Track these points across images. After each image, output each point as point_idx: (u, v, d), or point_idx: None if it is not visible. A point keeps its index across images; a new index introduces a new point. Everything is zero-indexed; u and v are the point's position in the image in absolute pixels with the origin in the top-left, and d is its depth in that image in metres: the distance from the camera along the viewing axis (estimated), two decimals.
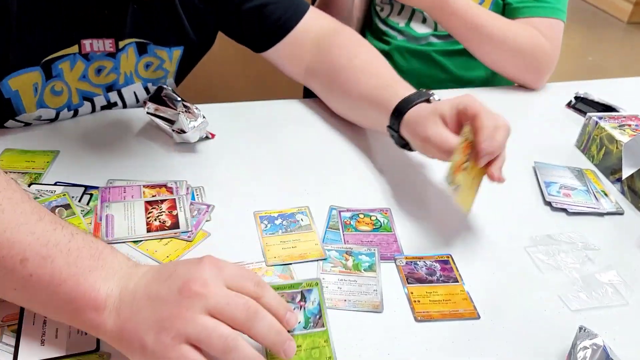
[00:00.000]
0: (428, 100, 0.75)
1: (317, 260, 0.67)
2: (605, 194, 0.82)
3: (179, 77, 0.96)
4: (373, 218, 0.74)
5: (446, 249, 0.70)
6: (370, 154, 0.88)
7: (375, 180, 0.82)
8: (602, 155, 0.87)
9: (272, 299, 0.51)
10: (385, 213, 0.75)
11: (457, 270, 0.67)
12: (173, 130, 0.82)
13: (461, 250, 0.70)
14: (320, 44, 0.89)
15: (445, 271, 0.67)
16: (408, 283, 0.65)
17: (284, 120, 0.94)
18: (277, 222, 0.72)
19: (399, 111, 0.75)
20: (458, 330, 0.60)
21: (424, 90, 0.77)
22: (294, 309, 0.56)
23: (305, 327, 0.56)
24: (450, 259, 0.68)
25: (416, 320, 0.60)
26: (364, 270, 0.66)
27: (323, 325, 0.56)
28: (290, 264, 0.66)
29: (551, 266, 0.69)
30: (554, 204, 0.79)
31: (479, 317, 0.61)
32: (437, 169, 0.86)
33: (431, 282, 0.65)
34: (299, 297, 0.58)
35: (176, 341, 0.46)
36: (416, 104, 0.74)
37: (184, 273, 0.49)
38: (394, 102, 0.76)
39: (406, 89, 0.78)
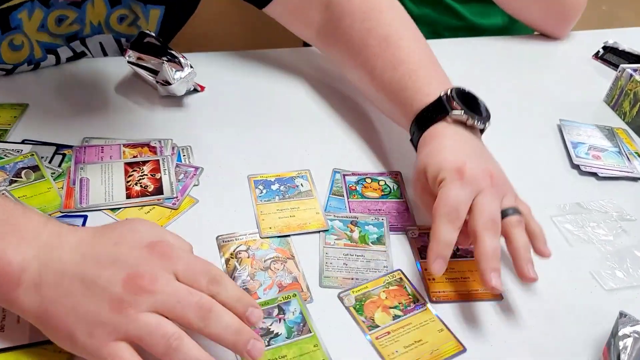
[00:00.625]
0: (447, 113, 0.59)
1: (319, 231, 0.59)
2: (639, 156, 0.73)
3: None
4: (382, 183, 0.66)
5: None
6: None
7: (385, 139, 0.73)
8: (636, 112, 0.78)
9: (230, 293, 0.44)
10: (396, 177, 0.67)
11: None
12: (157, 82, 0.73)
13: None
14: (330, 5, 0.74)
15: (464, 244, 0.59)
16: (421, 258, 0.57)
17: (283, 72, 0.85)
18: (274, 187, 0.64)
19: (418, 127, 0.62)
20: (479, 313, 0.53)
21: (444, 94, 0.60)
22: (272, 322, 0.49)
23: (288, 337, 0.49)
24: None
25: (431, 301, 0.53)
26: (372, 243, 0.58)
27: (310, 331, 0.49)
28: (288, 235, 0.58)
29: (581, 239, 0.61)
30: (582, 167, 0.70)
31: (502, 298, 0.54)
32: None
33: None
34: (276, 312, 0.51)
35: (111, 337, 0.41)
36: (435, 122, 0.60)
37: (130, 262, 0.43)
38: (410, 111, 0.63)
39: (425, 87, 0.63)
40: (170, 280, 0.43)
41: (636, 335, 0.48)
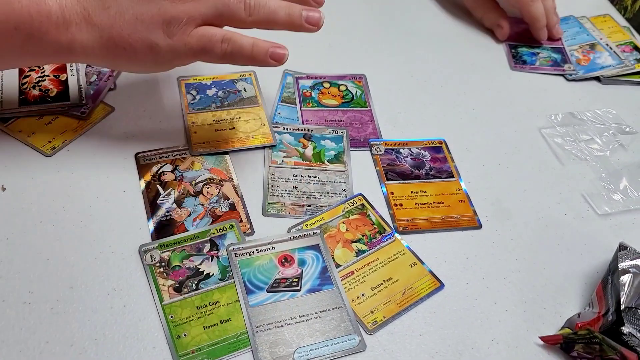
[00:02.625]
0: None
1: (264, 147, 0.48)
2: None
3: None
4: (342, 88, 0.55)
5: (438, 131, 0.53)
6: (347, 3, 0.66)
7: (347, 36, 0.61)
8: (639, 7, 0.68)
9: None
10: (359, 82, 0.56)
11: (453, 161, 0.50)
12: None
13: (458, 133, 0.53)
14: None
15: (437, 162, 0.50)
16: (387, 179, 0.48)
17: None
18: (210, 92, 0.52)
19: None
20: (453, 244, 0.44)
21: None
22: (202, 260, 0.40)
23: (222, 279, 0.40)
24: (443, 145, 0.51)
25: (397, 231, 0.44)
26: (329, 161, 0.48)
27: None
28: (226, 152, 0.48)
29: (573, 155, 0.52)
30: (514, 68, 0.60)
31: (480, 226, 0.46)
32: (428, 24, 0.65)
33: (418, 177, 0.48)
34: (207, 247, 0.41)
35: (190, 27, 0.39)
36: None
37: None
38: None
39: None
40: None
41: (636, 271, 0.41)
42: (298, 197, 0.45)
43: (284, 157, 0.48)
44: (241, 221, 0.43)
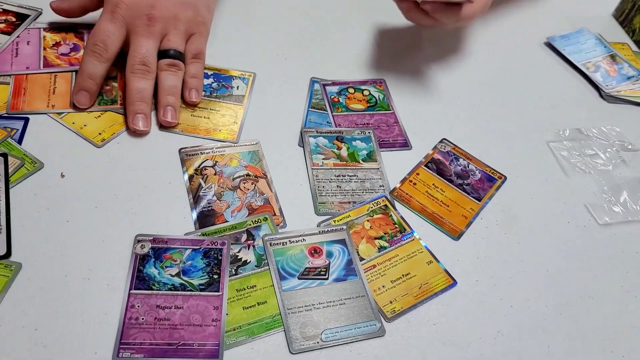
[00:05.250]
0: None
1: (226, 141, 0.52)
2: None
3: None
4: (366, 93, 0.59)
5: (452, 139, 0.57)
6: (361, 13, 0.70)
7: (366, 44, 0.65)
8: None
9: None
10: (380, 86, 0.60)
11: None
12: None
13: (470, 142, 0.57)
14: None
15: (480, 185, 0.53)
16: (425, 166, 0.52)
17: None
18: (207, 81, 0.57)
19: None
20: (466, 245, 0.49)
21: None
22: (240, 249, 0.45)
23: (258, 266, 0.44)
24: (498, 179, 0.54)
25: (390, 192, 0.49)
26: (363, 160, 0.53)
27: None
28: (194, 137, 0.52)
29: (578, 168, 0.57)
30: (606, 91, 0.64)
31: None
32: (442, 36, 0.69)
33: (451, 181, 0.52)
34: (244, 237, 0.45)
35: None
36: None
37: None
38: None
39: None
40: None
41: None
42: (343, 195, 0.50)
43: (322, 159, 0.52)
44: (274, 214, 0.47)
